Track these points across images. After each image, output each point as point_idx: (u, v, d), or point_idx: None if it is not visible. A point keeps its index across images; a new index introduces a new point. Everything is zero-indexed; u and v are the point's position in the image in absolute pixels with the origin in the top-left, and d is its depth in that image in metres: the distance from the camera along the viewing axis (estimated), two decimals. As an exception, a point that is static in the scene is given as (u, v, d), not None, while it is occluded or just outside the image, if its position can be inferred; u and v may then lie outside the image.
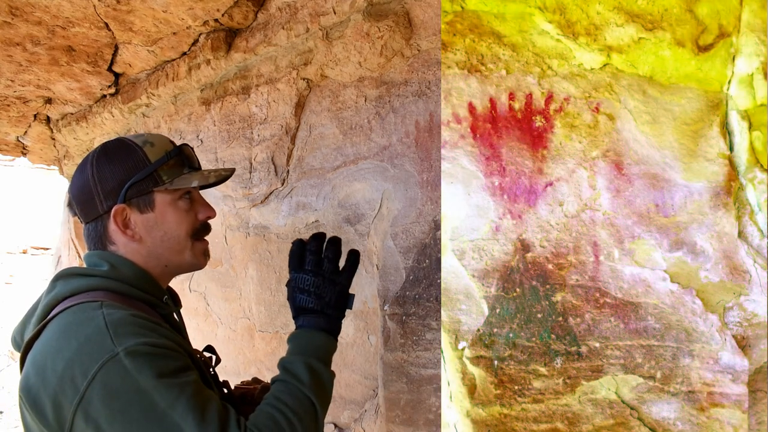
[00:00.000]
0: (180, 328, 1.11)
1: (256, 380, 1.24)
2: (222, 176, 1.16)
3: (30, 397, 0.87)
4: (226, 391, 1.18)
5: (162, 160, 1.07)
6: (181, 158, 1.11)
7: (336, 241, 1.20)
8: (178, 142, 1.19)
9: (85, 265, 1.07)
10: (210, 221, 1.20)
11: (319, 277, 1.17)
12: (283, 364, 1.05)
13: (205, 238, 1.16)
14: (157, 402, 0.81)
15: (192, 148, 1.18)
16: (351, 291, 1.21)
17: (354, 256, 1.23)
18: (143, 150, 1.07)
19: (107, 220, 1.06)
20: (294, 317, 1.20)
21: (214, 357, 1.21)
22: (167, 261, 1.10)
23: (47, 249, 14.20)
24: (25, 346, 0.94)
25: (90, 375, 0.83)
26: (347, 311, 1.22)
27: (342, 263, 1.21)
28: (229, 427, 0.85)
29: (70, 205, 1.12)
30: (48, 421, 0.85)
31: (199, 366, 1.00)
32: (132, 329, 0.88)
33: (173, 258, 1.11)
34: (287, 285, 1.22)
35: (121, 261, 1.05)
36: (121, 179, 1.05)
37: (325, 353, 1.10)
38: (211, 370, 1.18)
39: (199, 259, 1.15)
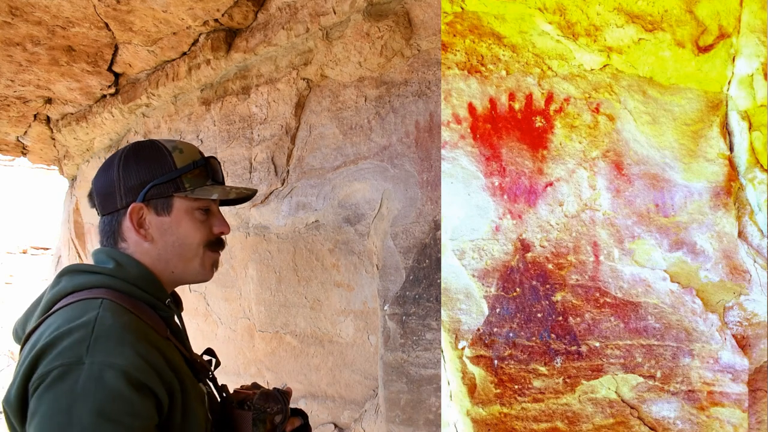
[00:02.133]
0: (179, 332, 1.11)
1: (256, 385, 1.23)
2: (243, 194, 1.18)
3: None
4: (224, 395, 1.17)
5: (187, 168, 1.09)
6: (207, 170, 1.13)
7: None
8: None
9: (92, 261, 1.08)
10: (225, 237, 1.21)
11: None
12: None
13: (219, 250, 1.17)
14: None
15: (219, 163, 1.19)
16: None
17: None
18: (172, 155, 1.10)
19: (123, 216, 1.07)
20: None
21: (213, 360, 1.21)
22: (174, 267, 1.10)
23: (47, 249, 14.20)
24: (24, 339, 0.96)
25: (50, 367, 0.84)
26: None
27: None
28: None
29: (90, 195, 1.14)
30: (11, 397, 0.86)
31: (181, 379, 0.97)
32: (112, 345, 0.87)
33: (181, 265, 1.10)
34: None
35: (128, 260, 1.06)
36: (144, 179, 1.08)
37: None
38: (210, 373, 1.17)
39: (207, 269, 1.14)
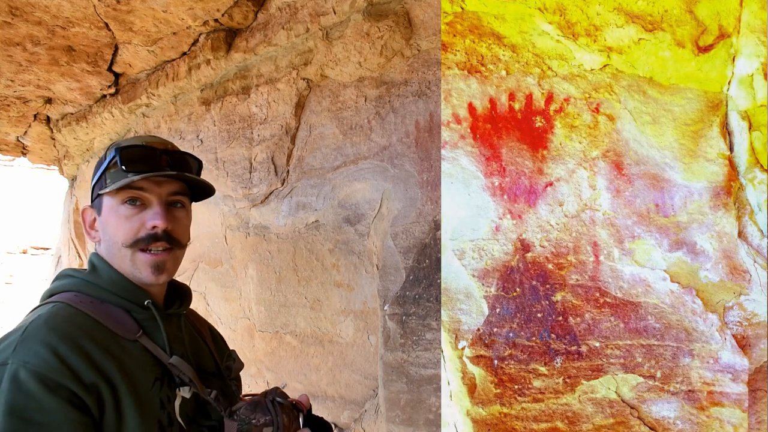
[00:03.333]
0: (157, 333, 1.04)
1: (272, 392, 1.14)
2: (149, 176, 1.03)
3: None
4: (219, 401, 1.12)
5: (108, 163, 1.02)
6: (120, 161, 1.02)
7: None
8: (177, 143, 1.14)
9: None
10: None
11: None
12: None
13: (158, 248, 1.03)
14: None
15: (166, 152, 1.07)
16: None
17: None
18: (107, 151, 1.05)
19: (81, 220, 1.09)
20: None
21: (234, 363, 1.18)
22: (118, 268, 1.03)
23: (47, 249, 14.20)
24: None
25: None
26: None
27: None
28: None
29: None
30: None
31: (114, 383, 0.93)
32: (32, 345, 0.87)
33: (121, 266, 1.02)
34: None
35: (102, 264, 1.04)
36: (93, 182, 1.08)
37: None
38: (227, 377, 1.13)
39: (143, 272, 1.03)
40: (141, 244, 1.01)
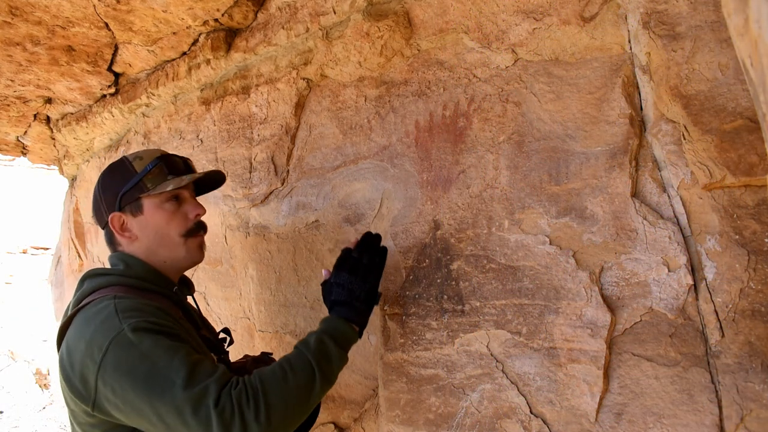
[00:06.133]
0: (189, 310, 1.33)
1: (246, 357, 1.51)
2: (210, 178, 1.39)
3: (64, 374, 1.09)
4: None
5: (145, 170, 1.28)
6: (163, 167, 1.30)
7: (372, 248, 1.45)
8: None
9: (108, 265, 1.34)
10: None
11: (353, 275, 1.36)
12: (301, 339, 1.25)
13: (201, 233, 1.35)
14: (156, 362, 1.00)
15: (180, 157, 1.35)
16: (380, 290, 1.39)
17: (381, 258, 1.45)
18: (132, 164, 1.30)
19: (110, 226, 1.31)
20: (328, 309, 1.38)
21: (228, 338, 1.49)
22: (163, 256, 1.29)
23: (47, 249, 14.20)
24: (58, 332, 1.17)
25: (104, 349, 1.04)
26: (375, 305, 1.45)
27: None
28: (213, 382, 1.01)
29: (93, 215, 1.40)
30: (79, 391, 1.06)
31: (195, 341, 1.22)
32: (135, 312, 1.09)
33: (169, 254, 1.30)
34: (325, 282, 1.37)
35: (134, 260, 1.28)
36: (115, 191, 1.29)
37: (340, 335, 1.25)
38: (224, 348, 1.50)
39: (194, 253, 1.34)
40: (192, 233, 1.33)
